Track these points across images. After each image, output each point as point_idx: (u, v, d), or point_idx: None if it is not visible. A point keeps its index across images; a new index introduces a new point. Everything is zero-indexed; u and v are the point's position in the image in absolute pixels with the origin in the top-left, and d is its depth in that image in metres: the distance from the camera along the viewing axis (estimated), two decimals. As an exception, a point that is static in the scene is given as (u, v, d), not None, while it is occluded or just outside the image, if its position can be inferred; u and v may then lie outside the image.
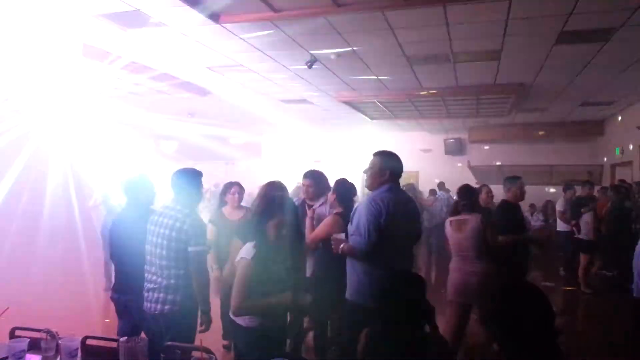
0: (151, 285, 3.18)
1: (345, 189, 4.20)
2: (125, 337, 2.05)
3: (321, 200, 4.41)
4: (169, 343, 2.19)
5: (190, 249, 3.06)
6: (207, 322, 3.16)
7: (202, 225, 3.15)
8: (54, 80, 7.39)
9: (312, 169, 4.72)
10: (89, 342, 2.34)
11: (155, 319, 3.16)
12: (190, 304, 3.12)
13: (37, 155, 8.82)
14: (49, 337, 2.27)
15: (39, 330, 2.35)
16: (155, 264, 3.16)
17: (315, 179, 4.48)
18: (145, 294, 3.20)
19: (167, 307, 3.09)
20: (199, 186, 3.33)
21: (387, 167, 3.34)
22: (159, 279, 3.13)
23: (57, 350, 2.25)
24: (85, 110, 9.23)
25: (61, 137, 9.28)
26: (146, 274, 3.24)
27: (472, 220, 4.33)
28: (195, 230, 3.08)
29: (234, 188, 4.90)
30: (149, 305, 3.17)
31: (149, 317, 3.20)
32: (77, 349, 2.25)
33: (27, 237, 8.16)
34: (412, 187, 9.63)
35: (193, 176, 3.32)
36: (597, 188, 9.63)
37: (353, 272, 3.23)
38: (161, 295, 3.12)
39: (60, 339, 2.26)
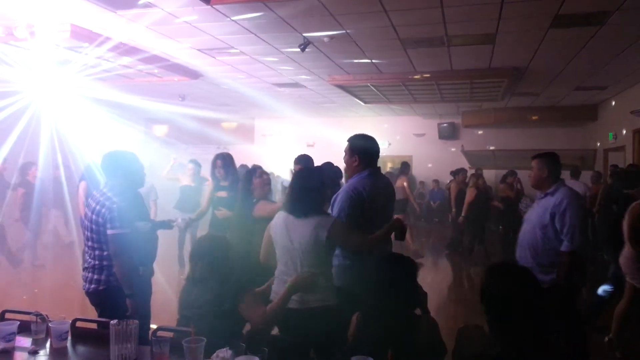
0: (85, 265, 3.33)
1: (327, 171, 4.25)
2: (116, 320, 2.03)
3: None
4: (158, 326, 2.17)
5: (107, 232, 3.11)
6: (132, 306, 3.14)
7: (120, 208, 3.13)
8: (45, 60, 7.28)
9: (304, 153, 4.75)
10: (79, 324, 2.33)
11: (89, 297, 3.30)
12: (117, 283, 3.17)
13: (28, 131, 8.78)
14: (39, 320, 2.26)
15: (29, 313, 2.33)
16: (87, 245, 3.29)
17: (306, 163, 4.52)
18: (82, 274, 3.35)
19: (93, 286, 3.21)
20: (129, 169, 3.33)
21: (356, 151, 3.26)
22: (89, 259, 3.26)
23: (47, 333, 2.24)
24: (75, 91, 9.13)
25: (52, 119, 9.20)
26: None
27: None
28: (112, 214, 3.10)
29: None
30: (83, 284, 3.31)
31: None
32: (67, 331, 2.24)
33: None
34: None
35: (123, 159, 3.34)
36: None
37: (335, 257, 3.17)
38: (89, 275, 3.24)
39: (50, 321, 2.24)
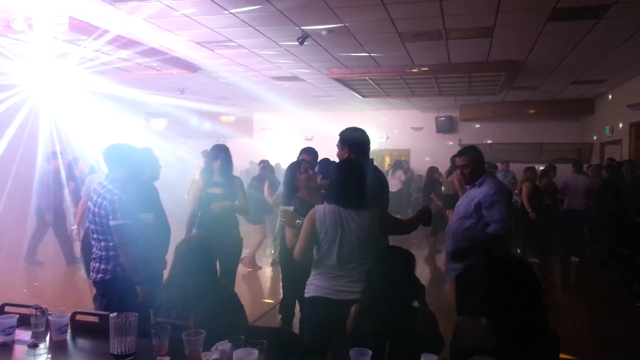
0: (92, 256, 3.39)
1: (327, 166, 4.27)
2: (116, 313, 2.04)
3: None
4: (159, 319, 2.19)
5: (110, 223, 3.17)
6: (142, 294, 3.21)
7: (121, 200, 3.17)
8: (43, 53, 7.26)
9: (309, 146, 4.82)
10: (79, 317, 2.35)
11: (95, 286, 3.37)
12: (124, 273, 3.23)
13: (27, 124, 8.75)
14: (38, 313, 2.26)
15: (28, 307, 2.34)
16: (93, 237, 3.35)
17: (312, 154, 4.62)
18: (91, 265, 3.42)
19: (99, 275, 3.27)
20: (131, 161, 3.39)
21: (346, 143, 3.31)
22: (96, 250, 3.33)
23: (47, 326, 2.25)
24: (74, 84, 9.10)
25: (51, 112, 9.17)
26: None
27: None
28: (113, 205, 3.16)
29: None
30: (90, 274, 3.38)
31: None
32: (66, 324, 2.25)
33: (17, 209, 8.07)
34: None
35: (125, 152, 3.40)
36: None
37: None
38: (96, 265, 3.30)
39: (50, 315, 2.25)
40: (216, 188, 4.51)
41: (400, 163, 13.70)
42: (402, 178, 12.69)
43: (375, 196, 3.28)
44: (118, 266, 3.24)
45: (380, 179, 3.43)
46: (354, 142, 3.32)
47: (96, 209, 3.23)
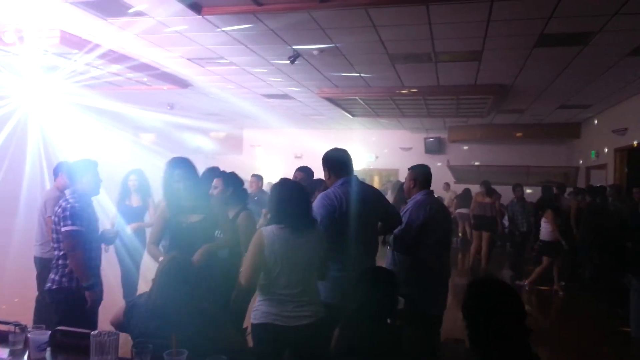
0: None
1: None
2: (97, 331, 2.02)
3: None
4: (139, 340, 2.15)
5: (62, 229, 3.27)
6: (91, 299, 3.28)
7: (73, 207, 3.29)
8: (33, 65, 7.23)
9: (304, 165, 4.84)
10: (59, 335, 2.30)
11: (47, 296, 3.42)
12: (69, 284, 3.29)
13: (13, 136, 8.64)
14: (17, 330, 2.22)
15: (8, 323, 2.29)
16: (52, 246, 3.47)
17: (307, 173, 4.70)
18: None
19: (48, 285, 3.34)
20: (89, 175, 3.49)
21: (326, 164, 3.39)
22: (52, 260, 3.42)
23: (26, 343, 2.21)
24: (63, 98, 9.05)
25: (39, 125, 9.10)
26: None
27: None
28: (64, 212, 3.28)
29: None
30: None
31: None
32: (46, 342, 2.20)
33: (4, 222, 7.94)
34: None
35: (83, 166, 3.52)
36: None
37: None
38: (49, 274, 3.39)
39: (29, 332, 2.21)
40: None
41: (401, 185, 13.68)
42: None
43: (378, 213, 3.37)
44: (64, 277, 3.29)
45: (366, 194, 3.37)
46: (330, 161, 3.38)
47: (53, 217, 3.37)
